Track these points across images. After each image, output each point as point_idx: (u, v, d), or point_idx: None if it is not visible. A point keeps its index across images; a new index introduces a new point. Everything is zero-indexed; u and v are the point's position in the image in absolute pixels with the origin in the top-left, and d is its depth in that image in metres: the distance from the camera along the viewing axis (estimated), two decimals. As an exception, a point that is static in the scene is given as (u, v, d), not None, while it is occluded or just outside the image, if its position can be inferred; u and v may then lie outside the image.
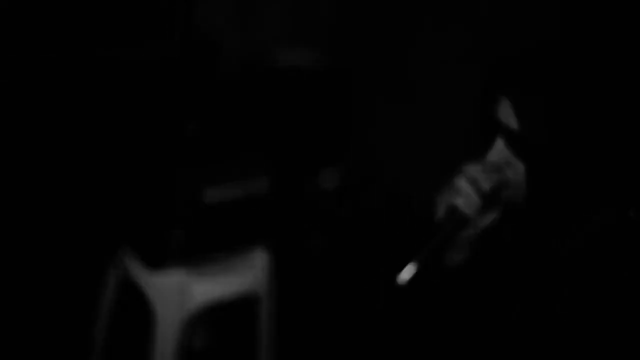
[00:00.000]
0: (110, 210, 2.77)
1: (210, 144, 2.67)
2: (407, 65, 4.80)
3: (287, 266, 3.28)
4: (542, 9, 4.67)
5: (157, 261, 2.57)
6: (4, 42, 2.96)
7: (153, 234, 2.58)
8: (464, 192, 1.47)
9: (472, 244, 1.56)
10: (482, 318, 1.61)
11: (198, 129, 2.62)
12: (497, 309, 1.60)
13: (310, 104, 4.19)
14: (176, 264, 2.57)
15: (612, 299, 1.48)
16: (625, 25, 3.62)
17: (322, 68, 4.40)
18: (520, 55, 1.54)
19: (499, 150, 1.52)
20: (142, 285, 2.63)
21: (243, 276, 2.70)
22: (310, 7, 4.68)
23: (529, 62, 1.52)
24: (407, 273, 1.44)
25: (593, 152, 1.48)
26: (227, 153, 2.69)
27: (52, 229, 3.15)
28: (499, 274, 1.61)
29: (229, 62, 4.08)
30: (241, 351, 3.22)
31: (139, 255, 2.63)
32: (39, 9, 3.05)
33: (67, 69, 3.12)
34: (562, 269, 1.54)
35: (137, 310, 2.74)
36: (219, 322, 3.39)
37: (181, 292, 2.56)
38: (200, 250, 2.63)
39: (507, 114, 1.50)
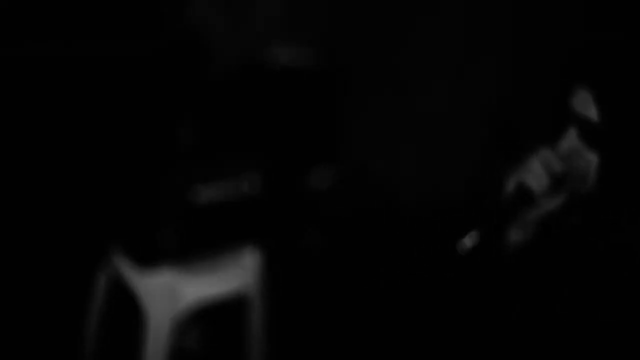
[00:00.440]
0: (100, 210, 2.76)
1: (201, 143, 2.66)
2: (399, 64, 4.81)
3: (279, 265, 3.28)
4: (530, 10, 4.69)
5: (147, 261, 2.56)
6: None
7: (144, 233, 2.57)
8: (536, 172, 1.54)
9: (533, 226, 1.61)
10: (533, 301, 1.64)
11: (189, 128, 2.61)
12: (548, 295, 1.63)
13: (302, 102, 4.19)
14: (167, 264, 2.56)
15: None
16: None
17: (314, 67, 4.40)
18: (603, 47, 1.57)
19: (571, 139, 1.56)
20: (132, 285, 2.62)
21: (234, 276, 2.70)
22: (303, 5, 4.68)
23: (613, 54, 1.55)
24: (469, 241, 1.51)
25: None
26: (218, 152, 2.69)
27: (43, 230, 3.15)
28: (556, 261, 1.65)
29: (220, 61, 4.08)
30: (232, 351, 3.22)
31: (130, 255, 2.62)
32: (25, 6, 3.05)
33: (55, 67, 3.11)
34: (620, 263, 1.57)
35: (128, 310, 2.73)
36: (210, 322, 3.39)
37: (172, 292, 2.55)
38: (191, 249, 2.62)
39: (584, 105, 1.54)
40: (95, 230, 2.81)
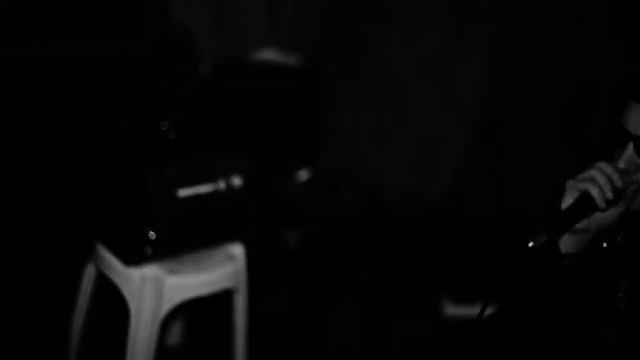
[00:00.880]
0: (85, 207, 2.77)
1: (185, 141, 2.68)
2: (383, 66, 4.84)
3: (263, 261, 3.30)
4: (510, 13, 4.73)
5: (132, 258, 2.58)
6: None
7: (128, 231, 2.58)
8: (600, 184, 1.58)
9: (588, 238, 1.65)
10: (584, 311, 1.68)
11: (174, 127, 2.63)
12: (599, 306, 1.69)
13: (286, 102, 4.20)
14: (151, 260, 2.58)
15: None
16: None
17: (298, 67, 4.42)
18: None
19: (629, 155, 1.63)
20: (116, 281, 2.63)
21: (218, 272, 2.71)
22: (286, 8, 4.69)
23: None
24: (536, 240, 1.56)
25: None
26: (202, 150, 2.70)
27: (28, 226, 3.15)
28: (603, 274, 1.71)
29: (204, 61, 4.09)
30: (216, 345, 3.23)
31: (114, 252, 2.63)
32: (8, 6, 3.05)
33: (39, 66, 3.11)
34: None
35: (113, 305, 2.74)
36: (194, 317, 3.40)
37: (156, 288, 2.57)
38: (175, 246, 2.64)
39: (639, 123, 1.60)
40: (80, 226, 2.82)
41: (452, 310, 3.97)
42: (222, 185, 2.64)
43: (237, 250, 2.80)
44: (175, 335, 3.36)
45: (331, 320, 3.76)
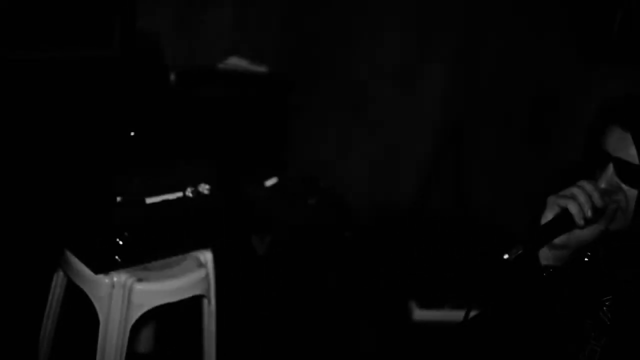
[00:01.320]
0: (53, 215, 2.76)
1: (152, 149, 2.69)
2: (348, 73, 4.87)
3: (232, 267, 3.31)
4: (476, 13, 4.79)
5: (101, 266, 2.58)
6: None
7: (96, 239, 2.58)
8: (580, 202, 1.62)
9: (568, 253, 1.69)
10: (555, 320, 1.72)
11: (140, 134, 2.64)
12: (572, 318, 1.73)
13: (252, 109, 4.21)
14: (120, 268, 2.58)
15: None
16: None
17: (263, 75, 4.43)
18: (633, 97, 1.71)
19: (609, 176, 1.67)
20: (85, 288, 2.63)
21: (187, 278, 2.71)
22: (253, 17, 4.71)
23: None
24: (511, 253, 1.59)
25: None
26: (169, 157, 2.71)
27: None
28: (585, 288, 1.75)
29: (170, 70, 4.10)
30: (187, 352, 3.24)
31: (83, 260, 2.63)
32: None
33: (3, 72, 3.10)
34: None
35: (83, 314, 2.74)
36: (165, 324, 3.41)
37: (125, 295, 2.57)
38: (144, 254, 2.65)
39: (620, 146, 1.64)
40: (48, 234, 2.81)
41: (420, 315, 4.01)
42: (189, 192, 2.65)
43: (206, 257, 2.81)
44: (145, 343, 3.36)
45: (299, 326, 3.78)
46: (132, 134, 2.66)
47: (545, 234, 1.65)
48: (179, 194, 2.64)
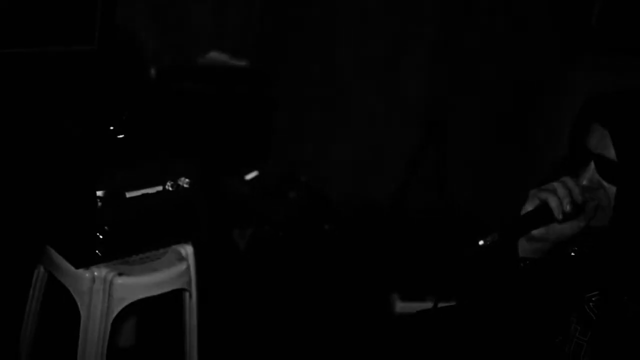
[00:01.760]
0: (33, 210, 2.76)
1: (132, 144, 2.69)
2: (327, 68, 4.88)
3: (212, 261, 3.31)
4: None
5: (81, 260, 2.58)
6: None
7: (77, 233, 2.58)
8: (560, 196, 1.64)
9: (547, 246, 1.71)
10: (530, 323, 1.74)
11: (120, 128, 2.64)
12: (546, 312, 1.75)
13: (232, 104, 4.22)
14: (101, 262, 2.59)
15: None
16: None
17: (243, 70, 4.44)
18: (619, 94, 1.71)
19: (590, 173, 1.69)
20: (66, 283, 2.63)
21: (168, 272, 2.72)
22: (233, 11, 4.71)
23: (629, 100, 1.70)
24: (486, 240, 1.61)
25: None
26: (149, 151, 2.71)
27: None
28: (568, 284, 1.77)
29: (151, 65, 4.10)
30: (169, 346, 3.24)
31: (64, 255, 2.63)
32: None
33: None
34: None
35: (64, 308, 2.74)
36: (146, 318, 3.41)
37: (106, 289, 2.57)
38: (124, 248, 2.65)
39: (600, 144, 1.67)
40: (28, 229, 2.81)
41: (402, 307, 4.02)
42: (169, 186, 2.66)
43: (187, 250, 2.81)
44: (127, 337, 3.37)
45: (280, 319, 3.79)
46: (112, 128, 2.65)
47: (523, 225, 1.67)
48: (159, 188, 2.64)
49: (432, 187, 4.81)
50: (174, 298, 2.86)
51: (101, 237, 2.53)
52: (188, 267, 2.79)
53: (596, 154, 1.68)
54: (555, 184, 1.65)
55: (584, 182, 1.69)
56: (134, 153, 2.68)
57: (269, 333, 3.67)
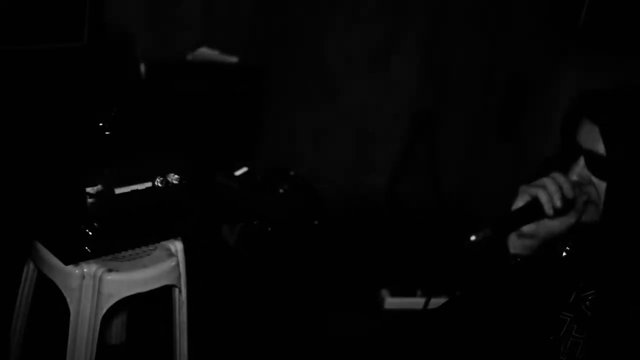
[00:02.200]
0: (22, 206, 2.76)
1: (122, 140, 2.68)
2: (318, 63, 4.89)
3: (202, 257, 3.32)
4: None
5: (71, 257, 2.58)
6: None
7: (66, 229, 2.58)
8: (550, 191, 1.63)
9: (537, 243, 1.71)
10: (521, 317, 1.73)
11: (110, 124, 2.64)
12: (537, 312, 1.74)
13: (223, 99, 4.22)
14: (90, 258, 2.59)
15: None
16: None
17: (234, 66, 4.44)
18: (609, 90, 1.71)
19: (580, 169, 1.69)
20: (56, 279, 2.63)
21: (157, 268, 2.71)
22: (224, 7, 4.71)
23: (619, 96, 1.70)
24: (478, 235, 1.59)
25: None
26: (139, 147, 2.71)
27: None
28: (561, 283, 1.77)
29: (141, 61, 4.10)
30: (159, 342, 3.25)
31: (53, 251, 2.63)
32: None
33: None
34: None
35: (54, 305, 2.74)
36: (137, 315, 3.41)
37: (95, 286, 2.57)
38: (114, 244, 2.64)
39: (589, 138, 1.67)
40: (18, 226, 2.81)
41: (392, 302, 4.03)
42: (158, 182, 2.66)
43: (177, 246, 2.81)
44: (117, 333, 3.37)
45: (270, 315, 3.79)
46: (101, 124, 2.65)
47: (514, 221, 1.67)
48: (148, 184, 2.64)
49: (423, 179, 4.83)
50: (164, 294, 2.86)
51: (90, 233, 2.53)
52: (177, 263, 2.78)
53: (586, 149, 1.68)
54: (546, 180, 1.65)
55: (574, 178, 1.69)
56: (122, 149, 2.68)
57: (258, 329, 3.67)
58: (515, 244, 1.71)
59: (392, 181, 4.86)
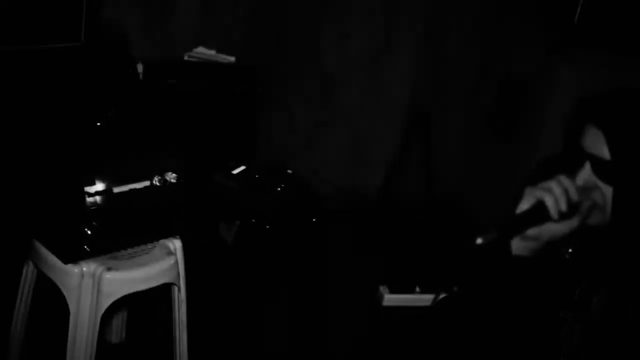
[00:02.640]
0: (22, 206, 2.77)
1: (120, 139, 2.69)
2: (314, 62, 4.89)
3: (201, 255, 3.32)
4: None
5: (70, 256, 2.59)
6: None
7: (65, 229, 2.59)
8: (556, 194, 1.63)
9: (541, 245, 1.71)
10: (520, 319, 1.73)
11: (108, 124, 2.65)
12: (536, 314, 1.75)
13: (219, 99, 4.22)
14: (89, 257, 2.59)
15: None
16: None
17: (231, 66, 4.44)
18: (609, 95, 1.71)
19: (586, 174, 1.69)
20: (55, 279, 2.64)
21: (156, 267, 2.73)
22: (221, 8, 4.72)
23: (622, 101, 1.70)
24: (484, 238, 1.59)
25: None
26: (136, 146, 2.72)
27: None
28: (563, 285, 1.77)
29: (138, 61, 4.10)
30: (159, 340, 3.26)
31: (53, 250, 2.64)
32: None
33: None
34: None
35: (54, 304, 2.74)
36: (134, 314, 3.42)
37: (94, 284, 2.58)
38: (112, 243, 2.65)
39: (595, 144, 1.67)
40: (17, 225, 2.82)
41: (390, 299, 4.05)
42: (156, 181, 2.66)
43: (175, 244, 2.82)
44: (117, 332, 3.38)
45: (268, 312, 3.80)
46: (99, 124, 2.66)
47: (519, 224, 1.67)
48: (146, 183, 2.65)
49: (419, 179, 4.83)
50: (163, 292, 2.87)
51: (89, 232, 2.54)
52: (176, 262, 2.80)
53: (591, 154, 1.69)
54: (552, 183, 1.65)
55: (580, 183, 1.69)
56: (121, 148, 2.69)
57: (257, 326, 3.68)
58: (518, 246, 1.71)
59: (387, 180, 4.86)
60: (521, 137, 4.68)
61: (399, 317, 3.91)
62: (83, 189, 2.49)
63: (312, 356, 3.57)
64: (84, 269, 2.59)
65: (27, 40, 3.34)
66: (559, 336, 1.78)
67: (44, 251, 2.67)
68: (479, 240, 1.58)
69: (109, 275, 2.60)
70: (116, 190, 2.57)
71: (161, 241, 2.81)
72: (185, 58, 4.47)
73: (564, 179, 1.66)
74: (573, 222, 1.68)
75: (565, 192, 1.64)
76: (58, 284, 2.64)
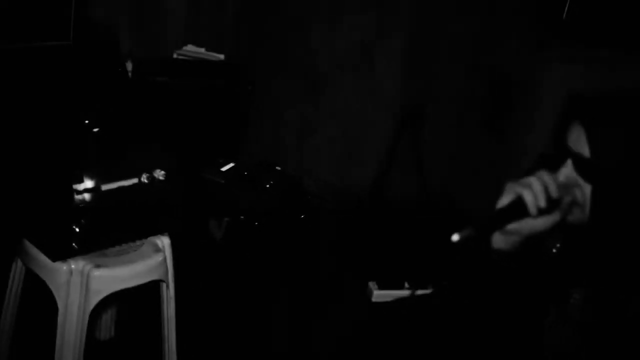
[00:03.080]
0: (9, 204, 2.77)
1: (108, 136, 2.70)
2: (304, 59, 4.90)
3: (189, 252, 3.33)
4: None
5: (58, 253, 2.59)
6: None
7: (53, 226, 2.59)
8: (535, 190, 1.64)
9: (520, 240, 1.72)
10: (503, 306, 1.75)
11: (96, 121, 2.65)
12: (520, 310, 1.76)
13: (209, 97, 4.23)
14: (77, 254, 2.60)
15: None
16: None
17: (220, 63, 4.45)
18: (598, 95, 1.72)
19: (568, 170, 1.70)
20: (44, 276, 2.64)
21: (145, 264, 2.74)
22: (209, 5, 4.72)
23: (609, 102, 1.70)
24: (460, 235, 1.58)
25: None
26: (125, 144, 2.72)
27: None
28: (549, 280, 1.78)
29: (127, 59, 4.10)
30: (148, 337, 3.26)
31: (41, 248, 2.64)
32: None
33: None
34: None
35: (43, 302, 2.75)
36: (123, 311, 3.43)
37: (83, 282, 2.59)
38: (101, 240, 2.66)
39: (578, 141, 1.68)
40: (5, 223, 2.82)
41: (379, 295, 4.06)
42: (145, 178, 2.67)
43: (164, 242, 2.83)
44: (105, 329, 3.38)
45: (258, 309, 3.81)
46: (87, 121, 2.66)
47: (498, 220, 1.67)
48: (135, 181, 2.66)
49: (410, 175, 4.84)
50: (152, 289, 2.88)
51: (78, 230, 2.54)
52: (165, 258, 2.81)
53: (574, 152, 1.70)
54: (532, 179, 1.66)
55: (561, 179, 1.70)
56: (109, 146, 2.69)
57: (246, 323, 3.69)
58: (498, 240, 1.73)
59: (378, 176, 4.87)
60: (512, 133, 4.70)
61: (388, 312, 3.92)
62: (71, 187, 2.49)
63: (301, 353, 3.57)
64: (72, 266, 2.59)
65: (16, 39, 3.34)
66: (542, 332, 1.79)
67: (32, 249, 2.67)
68: (455, 237, 1.58)
69: (97, 273, 2.61)
70: (104, 187, 2.58)
71: (149, 238, 2.82)
72: (175, 56, 4.47)
73: (544, 175, 1.67)
74: (553, 217, 1.69)
75: (545, 188, 1.65)
76: (46, 281, 2.64)
